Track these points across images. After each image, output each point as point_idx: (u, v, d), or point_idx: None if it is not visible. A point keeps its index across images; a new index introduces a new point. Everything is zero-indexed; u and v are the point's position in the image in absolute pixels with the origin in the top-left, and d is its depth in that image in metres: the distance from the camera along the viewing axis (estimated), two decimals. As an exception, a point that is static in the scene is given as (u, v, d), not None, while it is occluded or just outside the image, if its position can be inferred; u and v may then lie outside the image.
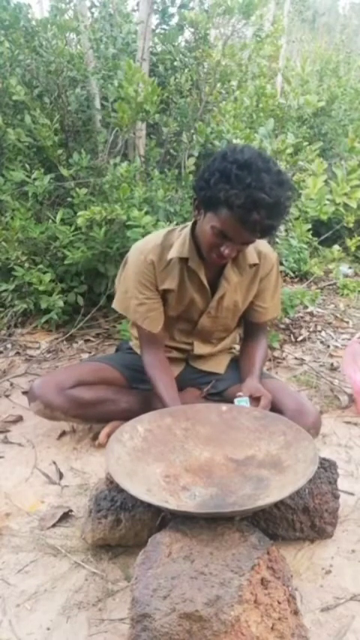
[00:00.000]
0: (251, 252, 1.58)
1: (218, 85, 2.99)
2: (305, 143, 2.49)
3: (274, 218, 1.33)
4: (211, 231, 1.38)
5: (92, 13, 2.91)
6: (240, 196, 1.27)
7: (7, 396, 2.04)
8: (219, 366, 1.77)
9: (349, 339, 2.59)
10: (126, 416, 1.55)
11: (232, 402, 1.50)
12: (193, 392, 1.74)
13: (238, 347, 1.91)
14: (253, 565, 0.97)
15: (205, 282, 1.57)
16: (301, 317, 2.83)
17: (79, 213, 2.17)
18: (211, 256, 1.45)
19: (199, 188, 1.39)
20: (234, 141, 2.26)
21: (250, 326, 1.76)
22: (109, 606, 1.12)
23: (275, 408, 1.51)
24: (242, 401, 1.46)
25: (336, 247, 2.53)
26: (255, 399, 1.48)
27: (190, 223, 1.56)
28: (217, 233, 1.37)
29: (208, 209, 1.38)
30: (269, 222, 1.32)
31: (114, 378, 1.72)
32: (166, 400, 1.53)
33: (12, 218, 2.33)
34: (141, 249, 1.57)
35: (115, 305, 1.67)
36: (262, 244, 1.63)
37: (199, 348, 1.73)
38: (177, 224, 2.17)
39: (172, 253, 1.54)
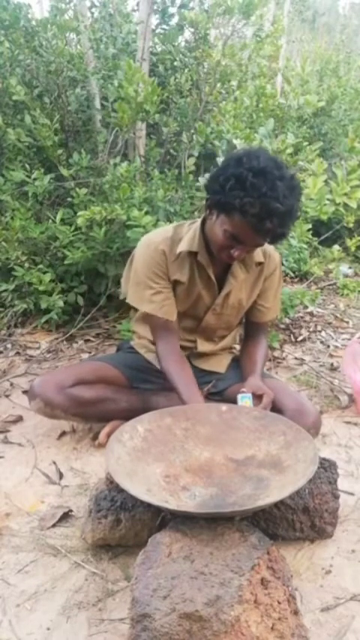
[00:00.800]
0: (257, 251, 1.60)
1: (218, 85, 2.99)
2: (305, 143, 2.50)
3: (286, 226, 1.36)
4: (223, 234, 1.40)
5: (92, 13, 2.91)
6: (255, 205, 1.29)
7: (7, 396, 2.04)
8: (220, 365, 1.77)
9: (349, 339, 2.59)
10: (126, 415, 1.56)
11: (232, 401, 1.51)
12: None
13: (238, 347, 1.91)
14: (253, 565, 0.97)
15: (213, 277, 1.58)
16: (301, 317, 2.83)
17: (79, 213, 2.17)
18: (221, 256, 1.48)
19: (213, 191, 1.40)
20: (234, 141, 2.26)
21: (251, 325, 1.77)
22: (109, 606, 1.12)
23: (275, 407, 1.51)
24: (245, 397, 1.47)
25: (336, 247, 2.53)
26: (257, 397, 1.49)
27: (199, 219, 1.58)
28: (228, 236, 1.40)
29: (222, 212, 1.39)
30: (281, 230, 1.36)
31: (114, 378, 1.72)
32: (185, 396, 1.49)
33: (12, 218, 2.33)
34: (151, 240, 1.58)
35: (129, 299, 1.65)
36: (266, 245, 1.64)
37: (202, 346, 1.73)
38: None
39: (182, 247, 1.55)
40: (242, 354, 1.76)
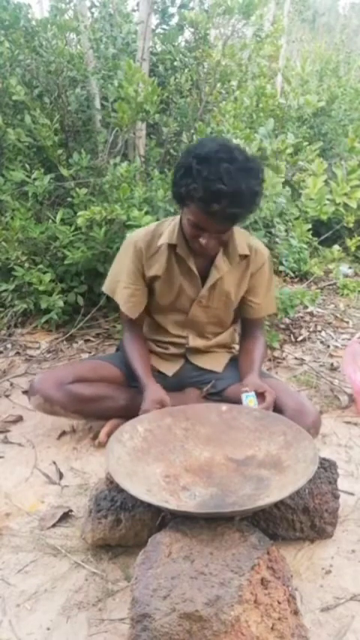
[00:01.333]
0: (241, 244, 1.62)
1: (218, 85, 2.99)
2: (305, 143, 2.49)
3: (238, 206, 1.37)
4: (188, 224, 1.47)
5: (92, 13, 2.91)
6: (199, 189, 1.34)
7: (7, 396, 2.04)
8: (217, 364, 1.77)
9: (349, 339, 2.59)
10: (125, 413, 1.57)
11: (232, 401, 1.50)
12: (193, 392, 1.74)
13: (237, 347, 1.91)
14: (253, 565, 0.97)
15: (194, 268, 1.61)
16: (301, 317, 2.83)
17: (79, 213, 2.17)
18: (195, 247, 1.52)
19: (172, 185, 1.47)
20: (234, 141, 2.26)
21: (246, 323, 1.79)
22: (109, 606, 1.12)
23: (275, 407, 1.51)
24: (249, 396, 1.47)
25: (336, 247, 2.53)
26: (259, 395, 1.49)
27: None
28: (192, 225, 1.45)
29: (181, 204, 1.47)
30: (233, 211, 1.37)
31: (114, 376, 1.72)
32: (139, 371, 1.60)
33: (12, 218, 2.33)
34: (132, 237, 1.67)
35: (104, 287, 1.75)
36: (253, 239, 1.69)
37: (194, 341, 1.74)
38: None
39: (162, 240, 1.61)
40: (240, 353, 1.77)
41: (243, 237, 1.64)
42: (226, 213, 1.36)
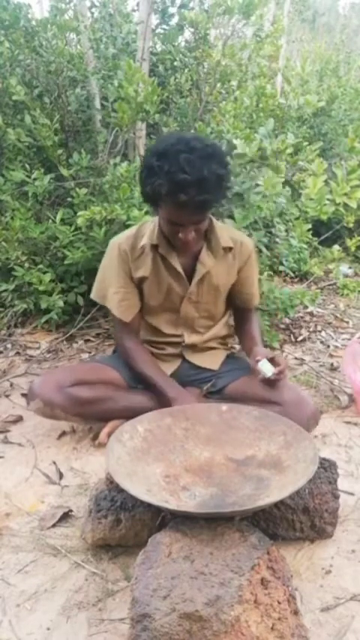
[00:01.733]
0: (223, 237, 1.64)
1: (218, 85, 2.99)
2: (305, 143, 2.49)
3: (206, 192, 1.38)
4: (164, 222, 1.49)
5: (92, 13, 2.91)
6: (164, 185, 1.35)
7: (7, 396, 2.04)
8: (214, 362, 1.78)
9: (349, 339, 2.59)
10: (125, 415, 1.56)
11: (232, 399, 1.53)
12: (193, 391, 1.74)
13: (237, 347, 1.91)
14: (253, 565, 0.97)
15: (179, 266, 1.62)
16: (301, 317, 2.83)
17: (79, 213, 2.17)
18: (177, 244, 1.53)
19: (140, 187, 1.49)
20: (234, 141, 2.26)
21: (241, 312, 1.83)
22: (109, 606, 1.12)
23: (273, 400, 1.54)
24: (265, 363, 1.53)
25: (336, 247, 2.53)
26: (271, 361, 1.54)
27: None
28: (168, 222, 1.47)
29: (153, 204, 1.48)
30: (202, 198, 1.38)
31: (113, 378, 1.72)
32: (159, 381, 1.60)
33: (12, 218, 2.33)
34: (115, 241, 1.67)
35: (92, 295, 1.74)
36: (234, 231, 1.73)
37: (190, 338, 1.75)
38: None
39: (143, 241, 1.61)
40: (240, 335, 1.83)
41: (224, 231, 1.66)
42: (195, 202, 1.37)
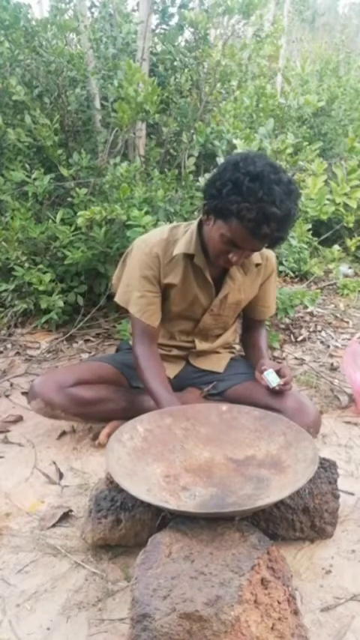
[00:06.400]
0: (255, 254, 1.60)
1: (218, 85, 2.99)
2: (305, 143, 2.49)
3: (284, 230, 1.36)
4: (220, 239, 1.40)
5: (92, 13, 2.91)
6: (252, 210, 1.29)
7: (7, 396, 2.04)
8: (218, 365, 1.78)
9: (349, 339, 2.59)
10: (126, 415, 1.55)
11: (232, 402, 1.51)
12: (193, 392, 1.74)
13: (238, 347, 1.91)
14: (253, 565, 0.97)
15: (210, 279, 1.59)
16: (301, 317, 2.83)
17: (79, 213, 2.17)
18: (219, 261, 1.48)
19: (209, 196, 1.40)
20: (234, 141, 2.26)
21: (252, 323, 1.82)
22: (109, 606, 1.12)
23: (275, 406, 1.52)
24: (271, 373, 1.54)
25: (336, 247, 2.53)
26: (277, 372, 1.55)
27: (196, 221, 1.58)
28: (226, 241, 1.40)
29: (219, 217, 1.39)
30: (279, 235, 1.36)
31: (114, 378, 1.72)
32: (161, 398, 1.48)
33: (12, 218, 2.33)
34: (146, 243, 1.58)
35: (117, 298, 1.66)
36: None
37: (201, 345, 1.75)
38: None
39: (179, 249, 1.55)
40: (247, 346, 1.82)
41: None
42: (273, 237, 1.35)
